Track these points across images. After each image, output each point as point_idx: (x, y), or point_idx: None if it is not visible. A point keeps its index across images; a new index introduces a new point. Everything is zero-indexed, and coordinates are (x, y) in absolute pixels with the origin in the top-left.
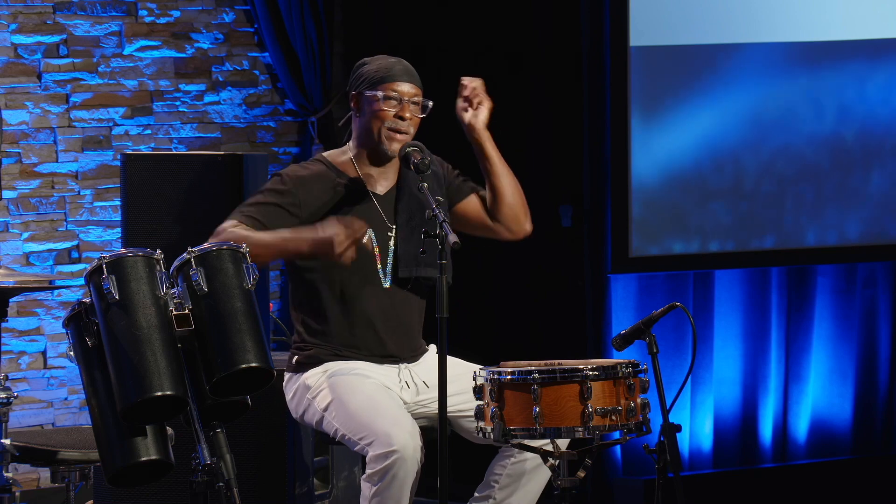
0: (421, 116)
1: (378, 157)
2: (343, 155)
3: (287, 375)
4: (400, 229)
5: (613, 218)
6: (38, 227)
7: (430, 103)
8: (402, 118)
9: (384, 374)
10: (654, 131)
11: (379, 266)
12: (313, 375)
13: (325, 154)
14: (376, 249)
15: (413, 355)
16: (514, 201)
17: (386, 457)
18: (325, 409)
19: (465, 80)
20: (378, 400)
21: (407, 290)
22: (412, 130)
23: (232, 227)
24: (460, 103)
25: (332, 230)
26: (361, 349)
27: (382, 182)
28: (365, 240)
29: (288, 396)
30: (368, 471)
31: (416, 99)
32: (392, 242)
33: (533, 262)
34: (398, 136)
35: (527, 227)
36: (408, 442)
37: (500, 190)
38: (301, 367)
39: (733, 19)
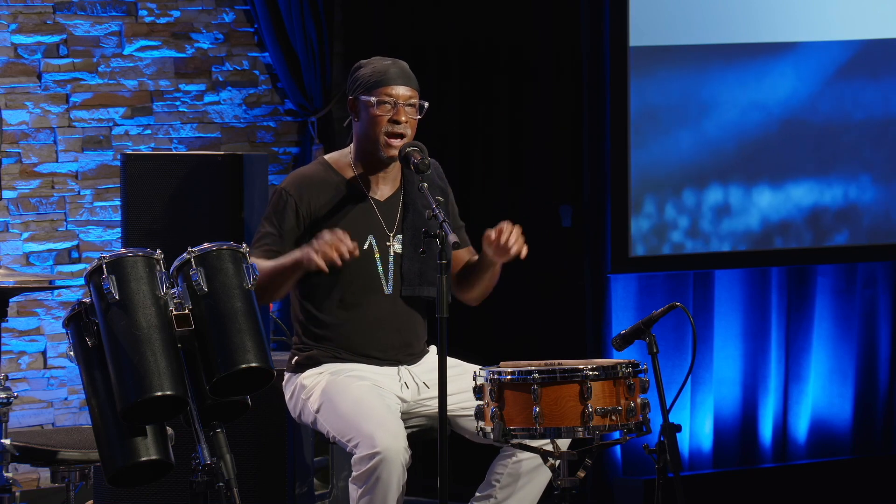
0: (417, 118)
1: (377, 161)
2: (344, 158)
3: (286, 375)
4: (405, 247)
5: (613, 218)
6: (38, 227)
7: (426, 104)
8: (397, 122)
9: (383, 375)
10: (653, 131)
11: (381, 271)
12: (310, 376)
13: (326, 157)
14: (377, 255)
15: (414, 357)
16: (476, 298)
17: (370, 458)
18: (318, 411)
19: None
20: (365, 402)
21: (409, 298)
22: (409, 132)
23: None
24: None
25: (313, 246)
26: (361, 352)
27: (383, 187)
28: (366, 246)
29: (286, 396)
30: (354, 473)
31: (411, 101)
32: (392, 250)
33: (533, 262)
34: (395, 141)
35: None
36: (391, 444)
37: (473, 294)
38: (299, 368)
39: (733, 19)
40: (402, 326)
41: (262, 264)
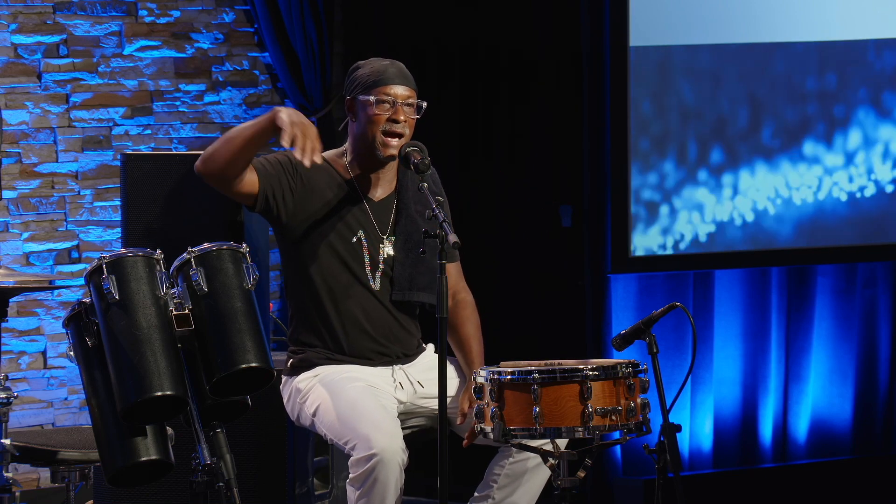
0: (415, 118)
1: (373, 162)
2: (340, 157)
3: (283, 378)
4: (397, 252)
5: (613, 218)
6: (38, 227)
7: (424, 104)
8: (395, 121)
9: (377, 376)
10: (653, 131)
11: (368, 269)
12: (305, 379)
13: (323, 154)
14: (366, 252)
15: (407, 356)
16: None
17: (367, 460)
18: (314, 414)
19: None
20: (361, 403)
21: (398, 303)
22: (408, 132)
23: None
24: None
25: (288, 120)
26: (353, 352)
27: (378, 188)
28: (354, 239)
29: (284, 399)
30: (351, 474)
31: (409, 101)
32: (385, 251)
33: (533, 262)
34: (393, 140)
35: None
36: (388, 445)
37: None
38: (295, 371)
39: (733, 19)
40: (391, 322)
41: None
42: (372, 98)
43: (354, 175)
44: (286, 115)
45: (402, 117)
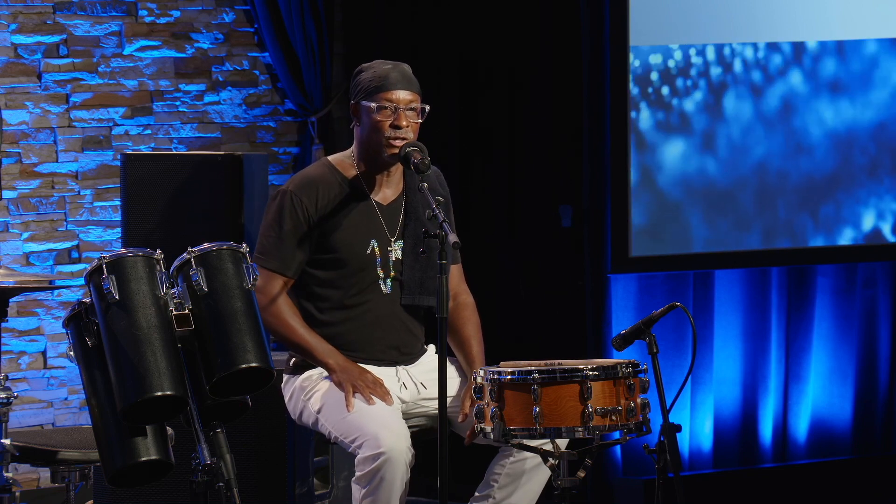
0: (418, 122)
1: (379, 164)
2: (347, 160)
3: (285, 377)
4: (406, 255)
5: (613, 218)
6: (38, 227)
7: (427, 107)
8: (398, 127)
9: (381, 376)
10: (653, 131)
11: (380, 273)
12: (309, 377)
13: (329, 158)
14: (378, 259)
15: (411, 358)
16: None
17: (374, 459)
18: (319, 412)
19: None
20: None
21: (408, 306)
22: (411, 136)
23: (280, 306)
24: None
25: (347, 378)
26: (359, 352)
27: (386, 190)
28: (368, 251)
29: (286, 398)
30: (358, 473)
31: (412, 105)
32: (393, 255)
33: (533, 262)
34: (397, 143)
35: None
36: (395, 444)
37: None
38: (298, 370)
39: (733, 19)
40: (399, 326)
41: (291, 324)
42: (374, 104)
43: (362, 177)
44: (338, 376)
45: (404, 122)
